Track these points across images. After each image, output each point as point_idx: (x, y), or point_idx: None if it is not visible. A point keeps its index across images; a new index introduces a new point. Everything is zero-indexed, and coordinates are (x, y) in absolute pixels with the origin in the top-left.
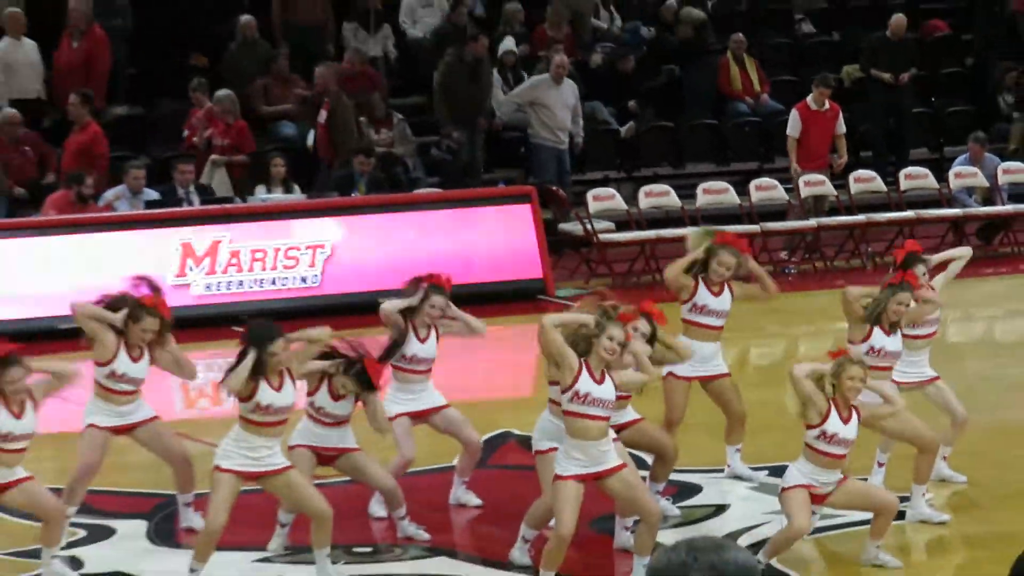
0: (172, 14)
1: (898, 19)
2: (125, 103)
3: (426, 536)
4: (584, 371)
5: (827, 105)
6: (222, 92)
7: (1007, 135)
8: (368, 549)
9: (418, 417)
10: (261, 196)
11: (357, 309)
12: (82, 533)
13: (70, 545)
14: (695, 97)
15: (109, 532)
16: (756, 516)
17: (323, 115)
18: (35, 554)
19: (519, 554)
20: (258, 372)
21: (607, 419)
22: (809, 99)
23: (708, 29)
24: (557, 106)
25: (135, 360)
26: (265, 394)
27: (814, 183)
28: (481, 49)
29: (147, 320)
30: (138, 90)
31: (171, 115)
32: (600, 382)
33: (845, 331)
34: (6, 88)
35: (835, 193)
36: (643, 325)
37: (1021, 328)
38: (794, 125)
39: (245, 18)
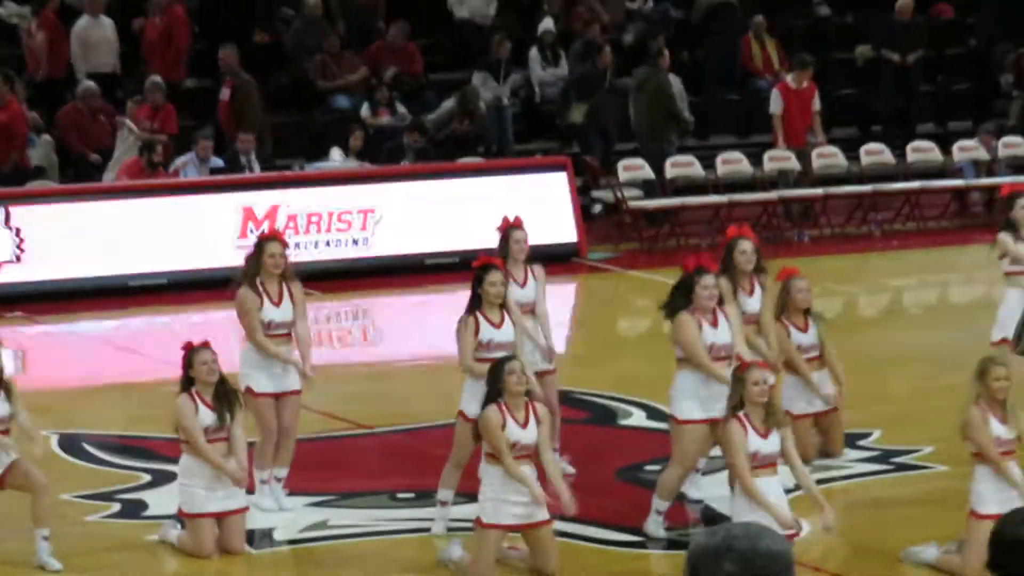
0: None
1: (905, 2)
2: (194, 76)
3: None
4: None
5: (805, 84)
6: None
7: (1007, 112)
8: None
9: None
10: (332, 161)
11: (403, 269)
12: (147, 478)
13: (136, 489)
14: (719, 73)
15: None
16: None
17: (226, 92)
18: (104, 496)
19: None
20: None
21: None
22: (789, 78)
23: (733, 10)
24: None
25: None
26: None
27: (776, 159)
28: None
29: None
30: (205, 65)
31: (235, 87)
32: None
33: (850, 293)
34: (84, 63)
35: (798, 167)
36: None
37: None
38: (776, 103)
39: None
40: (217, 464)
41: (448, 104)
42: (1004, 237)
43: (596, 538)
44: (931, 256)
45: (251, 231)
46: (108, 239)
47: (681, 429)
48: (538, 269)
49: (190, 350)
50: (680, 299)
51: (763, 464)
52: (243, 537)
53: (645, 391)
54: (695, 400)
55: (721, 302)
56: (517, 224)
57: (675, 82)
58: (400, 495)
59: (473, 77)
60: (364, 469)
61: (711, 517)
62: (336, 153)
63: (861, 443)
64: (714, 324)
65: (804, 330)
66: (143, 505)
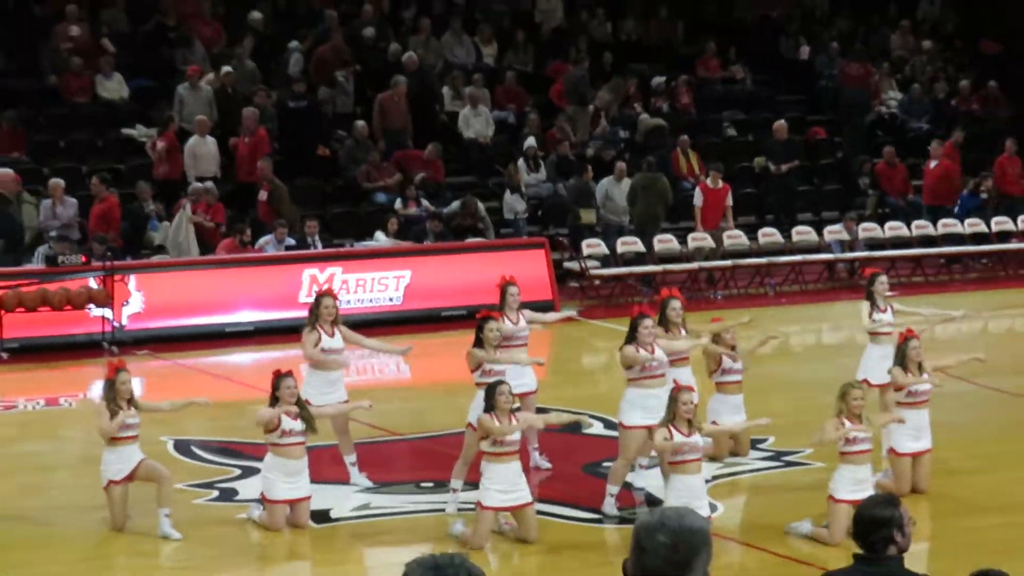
0: (308, 119)
1: (778, 125)
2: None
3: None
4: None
5: (720, 184)
6: (205, 185)
7: (865, 205)
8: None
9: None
10: (379, 239)
11: (426, 320)
12: (237, 472)
13: (229, 480)
14: None
15: (256, 471)
16: None
17: (264, 195)
18: (206, 485)
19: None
20: None
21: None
22: (707, 180)
23: (664, 131)
24: (618, 197)
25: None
26: None
27: (697, 239)
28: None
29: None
30: (282, 169)
31: (304, 188)
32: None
33: (751, 337)
34: (194, 170)
35: (713, 245)
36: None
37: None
38: (698, 197)
39: (359, 124)
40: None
41: (455, 204)
42: (863, 307)
43: (567, 516)
44: (809, 310)
45: (314, 291)
46: (210, 297)
47: (626, 432)
48: (527, 312)
49: (277, 376)
50: (629, 336)
51: (688, 459)
52: (308, 516)
53: (603, 408)
54: (638, 410)
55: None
56: (512, 281)
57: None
58: (423, 484)
59: (505, 196)
60: (396, 465)
61: (652, 501)
62: (380, 235)
63: (760, 446)
64: (651, 352)
65: (735, 360)
66: (235, 492)
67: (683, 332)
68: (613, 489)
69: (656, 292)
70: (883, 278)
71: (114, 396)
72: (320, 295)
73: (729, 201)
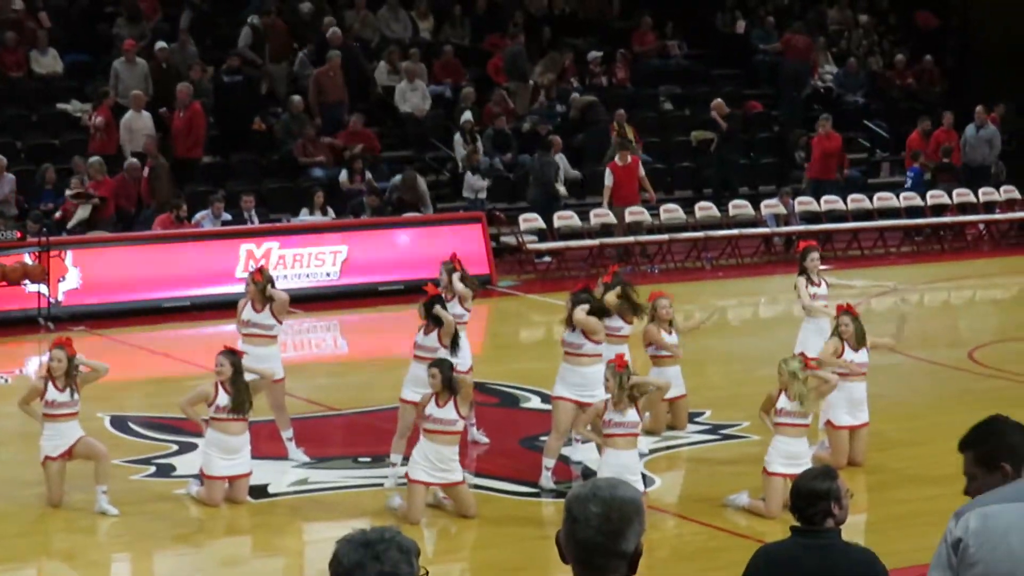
0: (243, 96)
1: (717, 103)
2: (209, 154)
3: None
4: None
5: (629, 160)
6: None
7: (800, 178)
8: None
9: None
10: (304, 217)
11: (363, 295)
12: (175, 448)
13: (166, 456)
14: (594, 152)
15: (193, 446)
16: None
17: (146, 171)
18: (144, 461)
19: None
20: None
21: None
22: (616, 158)
23: (600, 107)
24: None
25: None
26: None
27: (634, 213)
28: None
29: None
30: (219, 145)
31: (240, 163)
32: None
33: (688, 311)
34: (130, 144)
35: (650, 220)
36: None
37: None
38: (609, 177)
39: (295, 98)
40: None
41: (396, 179)
42: (799, 282)
43: (504, 490)
44: (746, 284)
45: (251, 266)
46: (147, 273)
47: (557, 405)
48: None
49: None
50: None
51: (624, 433)
52: (246, 492)
53: (539, 382)
54: (568, 386)
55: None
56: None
57: (561, 160)
58: (361, 459)
59: (466, 176)
60: (334, 440)
61: (588, 474)
62: (304, 212)
63: (698, 419)
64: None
65: (670, 334)
66: (172, 468)
67: (671, 329)
68: (548, 462)
69: (592, 266)
70: (814, 254)
71: (47, 372)
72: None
73: (641, 172)
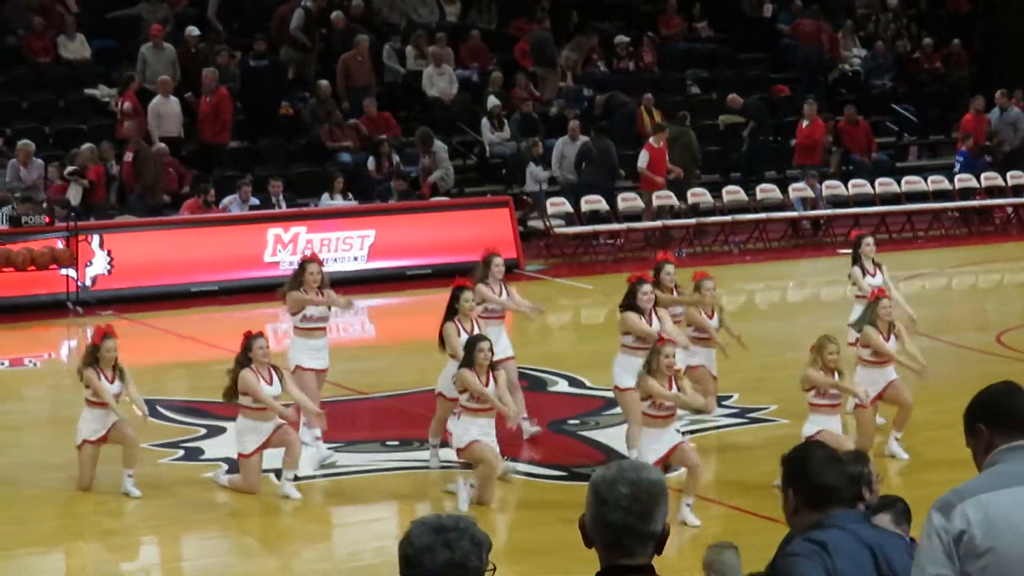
0: (270, 80)
1: (732, 97)
2: (236, 139)
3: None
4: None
5: (661, 144)
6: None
7: (828, 162)
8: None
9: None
10: (327, 202)
11: (391, 279)
12: (203, 431)
13: (194, 439)
14: (622, 135)
15: (222, 430)
16: None
17: (129, 155)
18: (172, 444)
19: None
20: None
21: None
22: (652, 140)
23: (619, 94)
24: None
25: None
26: None
27: (661, 197)
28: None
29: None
30: (245, 130)
31: (267, 148)
32: None
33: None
34: (158, 129)
35: (677, 203)
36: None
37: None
38: (644, 159)
39: (322, 83)
40: (279, 411)
41: (425, 160)
42: (855, 271)
43: (533, 473)
44: (773, 267)
45: (279, 250)
46: (175, 257)
47: (623, 395)
48: (514, 293)
49: (249, 337)
50: (628, 302)
51: (666, 414)
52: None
53: (567, 366)
54: (630, 373)
55: (656, 304)
56: (496, 252)
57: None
58: (389, 443)
59: (528, 167)
60: (362, 424)
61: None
62: (326, 197)
63: (726, 403)
64: (650, 318)
65: (711, 317)
66: (200, 451)
67: (676, 295)
68: (632, 453)
69: (620, 250)
70: (869, 239)
71: (97, 362)
72: (304, 260)
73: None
